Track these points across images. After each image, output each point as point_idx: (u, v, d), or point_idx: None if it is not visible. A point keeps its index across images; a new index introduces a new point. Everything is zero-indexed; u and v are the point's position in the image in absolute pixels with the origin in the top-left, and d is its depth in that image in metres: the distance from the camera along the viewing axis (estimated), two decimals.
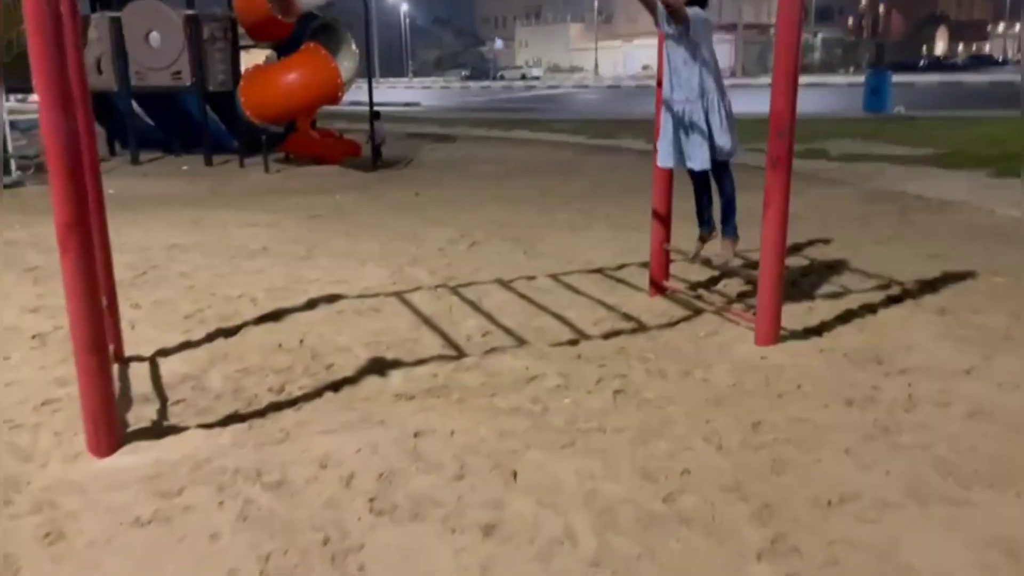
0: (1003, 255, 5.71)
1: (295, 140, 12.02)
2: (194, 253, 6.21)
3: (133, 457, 2.97)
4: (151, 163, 12.53)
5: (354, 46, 12.30)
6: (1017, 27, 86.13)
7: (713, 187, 4.75)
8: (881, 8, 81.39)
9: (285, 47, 11.92)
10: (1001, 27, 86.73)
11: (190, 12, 11.87)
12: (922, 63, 62.19)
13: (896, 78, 22.70)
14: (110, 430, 2.98)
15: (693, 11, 4.24)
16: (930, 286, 4.98)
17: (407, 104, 30.74)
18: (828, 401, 3.40)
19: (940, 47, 78.93)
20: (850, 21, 79.19)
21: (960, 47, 78.25)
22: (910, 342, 4.06)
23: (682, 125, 4.40)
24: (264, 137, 11.51)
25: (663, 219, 4.88)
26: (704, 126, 4.35)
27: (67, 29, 2.97)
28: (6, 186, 9.43)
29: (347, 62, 11.81)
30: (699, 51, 4.30)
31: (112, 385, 3.03)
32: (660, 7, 4.28)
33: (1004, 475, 2.75)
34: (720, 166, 4.54)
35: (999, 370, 3.67)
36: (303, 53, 11.22)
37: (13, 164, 9.88)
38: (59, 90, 2.71)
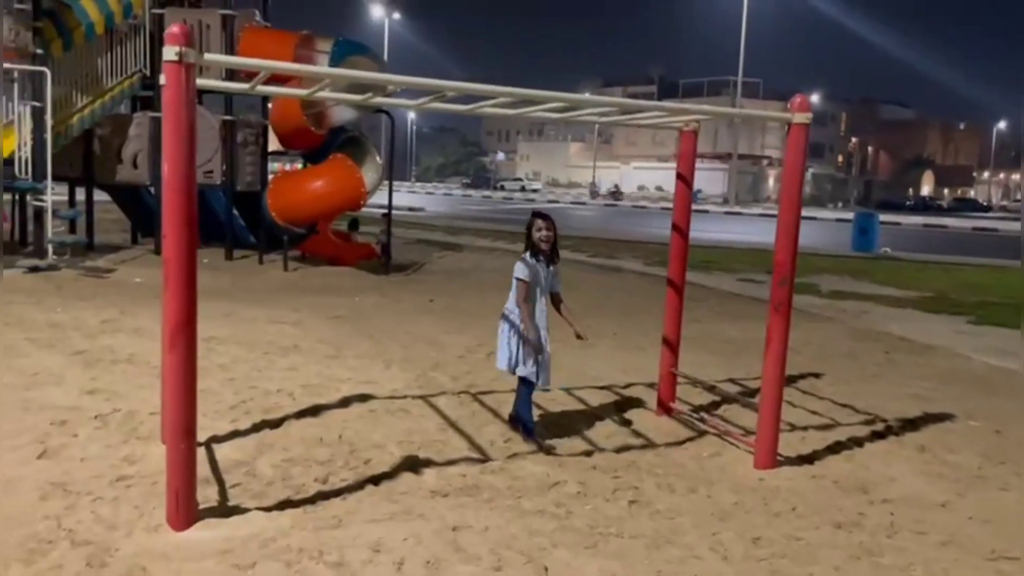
0: (979, 401, 6.22)
1: (314, 241, 12.63)
2: (231, 346, 6.65)
3: (207, 532, 3.34)
4: None
5: (378, 158, 13.10)
6: (1001, 175, 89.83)
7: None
8: (870, 148, 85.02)
9: (313, 156, 12.69)
10: (986, 174, 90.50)
11: (227, 117, 12.69)
12: (908, 203, 64.70)
13: (883, 217, 23.88)
14: (189, 507, 3.36)
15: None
16: (911, 424, 5.46)
17: (411, 209, 31.82)
18: (819, 523, 3.81)
19: (926, 189, 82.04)
20: (840, 159, 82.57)
21: (945, 191, 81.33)
22: (892, 475, 4.50)
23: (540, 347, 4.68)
24: (286, 237, 12.13)
25: (672, 346, 5.38)
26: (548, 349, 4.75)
27: None
28: (41, 269, 9.92)
29: (371, 173, 12.57)
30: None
31: (195, 467, 3.42)
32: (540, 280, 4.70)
33: None
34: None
35: (971, 505, 4.10)
36: (331, 162, 11.97)
37: (50, 249, 10.40)
38: (188, 211, 3.24)
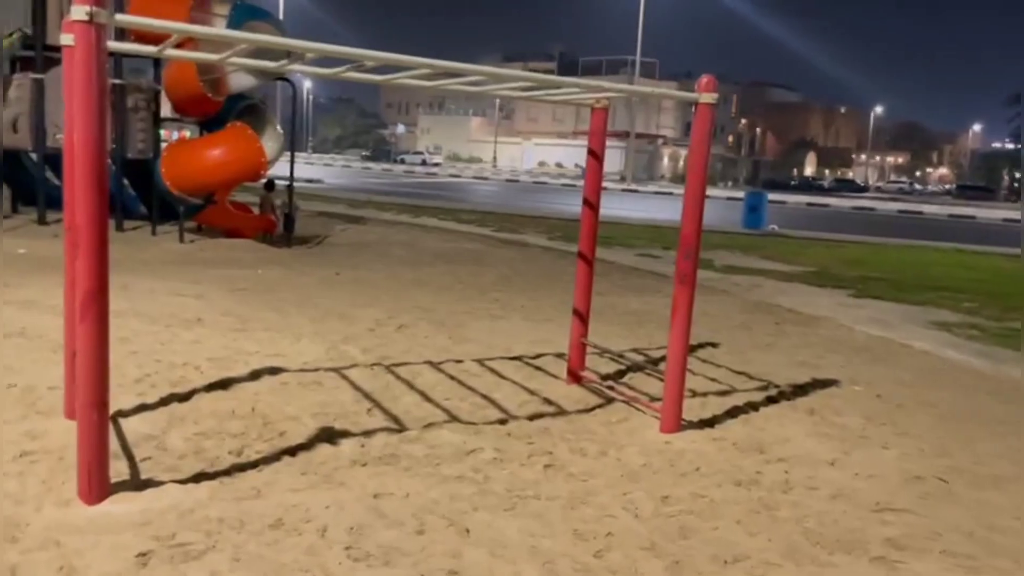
0: (861, 367, 6.68)
1: (212, 212, 12.23)
2: (130, 319, 6.43)
3: (121, 506, 3.27)
4: (57, 223, 12.40)
5: (278, 127, 12.77)
6: (877, 157, 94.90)
7: None
8: (758, 130, 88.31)
9: (210, 124, 12.24)
10: (863, 156, 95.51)
11: (116, 81, 12.06)
12: (793, 182, 67.67)
13: (770, 196, 24.96)
14: (101, 480, 3.28)
15: None
16: (801, 389, 5.82)
17: (309, 180, 31.11)
18: (721, 481, 4.05)
19: (809, 169, 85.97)
20: (730, 139, 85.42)
21: (827, 171, 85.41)
22: (786, 436, 4.81)
23: None
24: (182, 208, 11.71)
25: (582, 316, 5.54)
26: None
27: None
28: None
29: (271, 143, 12.24)
30: None
31: (108, 440, 3.34)
32: None
33: (858, 544, 3.44)
34: None
35: (856, 462, 4.44)
36: (229, 131, 11.58)
37: None
38: (98, 177, 3.13)
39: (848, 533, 3.54)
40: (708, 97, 4.39)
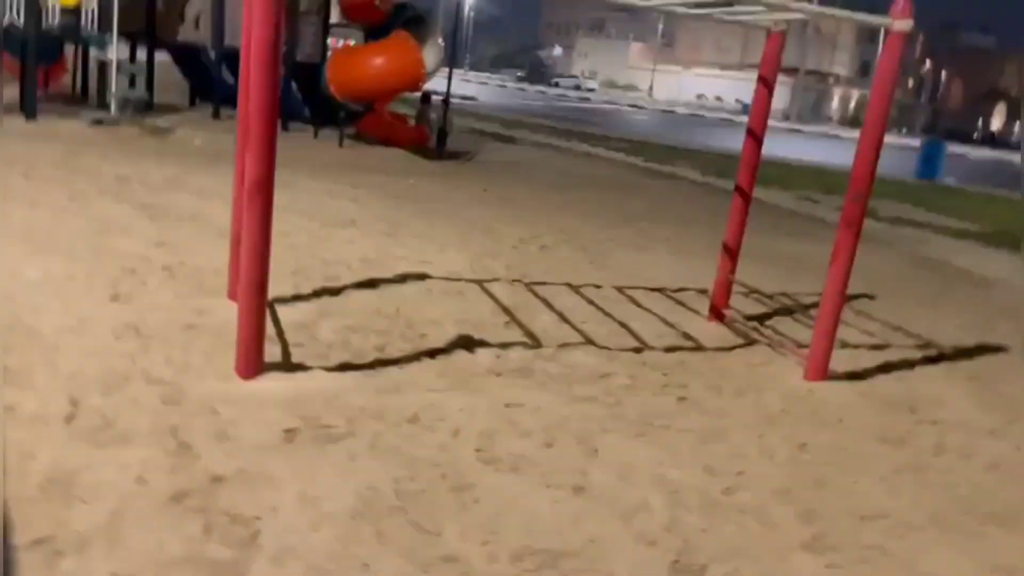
0: None
1: (371, 120, 12.55)
2: (290, 215, 6.71)
3: (273, 384, 3.48)
4: (230, 120, 13.09)
5: (440, 40, 12.84)
6: None
7: None
8: (943, 74, 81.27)
9: (376, 32, 12.46)
10: None
11: None
12: (976, 135, 62.30)
13: (949, 147, 23.08)
14: (257, 359, 3.49)
15: None
16: (964, 353, 5.41)
17: (465, 97, 31.34)
18: (866, 436, 3.85)
19: (997, 123, 78.64)
20: (909, 83, 79.11)
21: (1018, 125, 77.88)
22: (942, 398, 4.50)
23: None
24: (343, 113, 12.07)
25: (731, 253, 5.34)
26: None
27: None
28: (104, 123, 10.03)
29: (432, 55, 12.33)
30: None
31: (264, 322, 3.54)
32: None
33: (1015, 518, 3.19)
34: None
35: (1019, 434, 4.11)
36: (393, 40, 11.75)
37: (113, 104, 10.49)
38: (271, 68, 3.22)
39: (1003, 505, 3.30)
40: (902, 24, 4.01)
